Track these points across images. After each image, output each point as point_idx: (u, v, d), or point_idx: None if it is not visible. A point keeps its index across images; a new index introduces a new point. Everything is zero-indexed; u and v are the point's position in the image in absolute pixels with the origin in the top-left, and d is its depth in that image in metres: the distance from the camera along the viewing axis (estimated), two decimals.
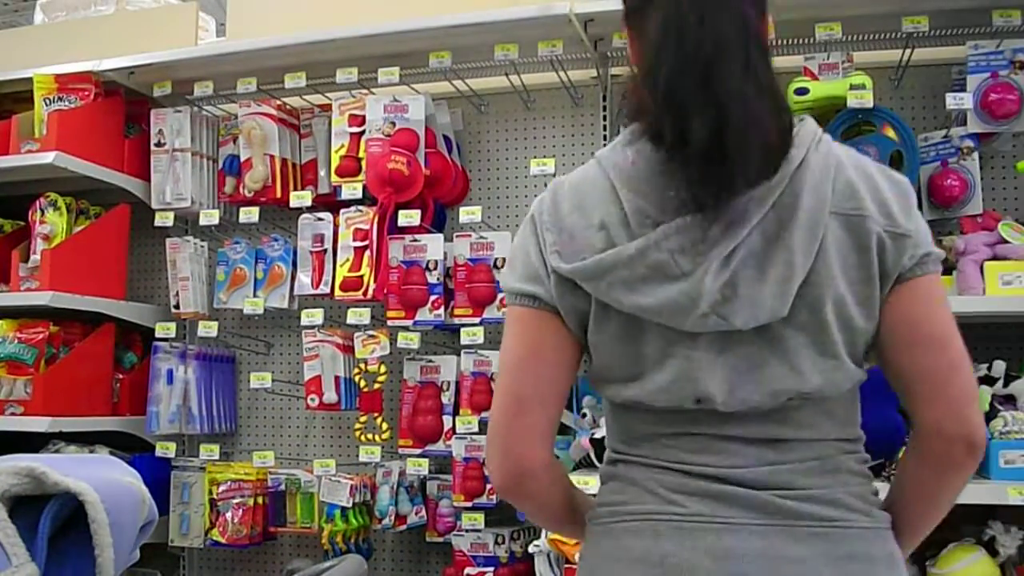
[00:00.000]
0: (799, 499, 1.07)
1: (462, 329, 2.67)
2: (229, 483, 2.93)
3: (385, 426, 2.75)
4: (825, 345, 1.08)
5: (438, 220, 2.88)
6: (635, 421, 1.16)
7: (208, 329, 2.94)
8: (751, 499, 1.07)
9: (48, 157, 2.80)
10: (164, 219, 3.02)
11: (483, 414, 2.66)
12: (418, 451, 2.73)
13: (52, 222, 2.98)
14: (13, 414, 2.78)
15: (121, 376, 3.08)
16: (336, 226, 2.85)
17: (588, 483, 2.26)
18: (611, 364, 1.15)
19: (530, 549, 2.49)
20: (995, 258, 2.25)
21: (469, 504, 2.61)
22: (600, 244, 1.10)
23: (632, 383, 1.13)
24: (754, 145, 1.02)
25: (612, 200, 1.11)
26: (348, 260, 2.80)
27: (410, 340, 2.72)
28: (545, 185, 2.77)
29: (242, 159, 2.96)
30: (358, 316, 2.75)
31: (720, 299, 1.04)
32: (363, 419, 2.78)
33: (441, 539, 2.76)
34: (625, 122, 1.14)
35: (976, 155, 2.48)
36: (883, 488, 2.10)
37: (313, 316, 2.84)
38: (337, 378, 2.83)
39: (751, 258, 1.05)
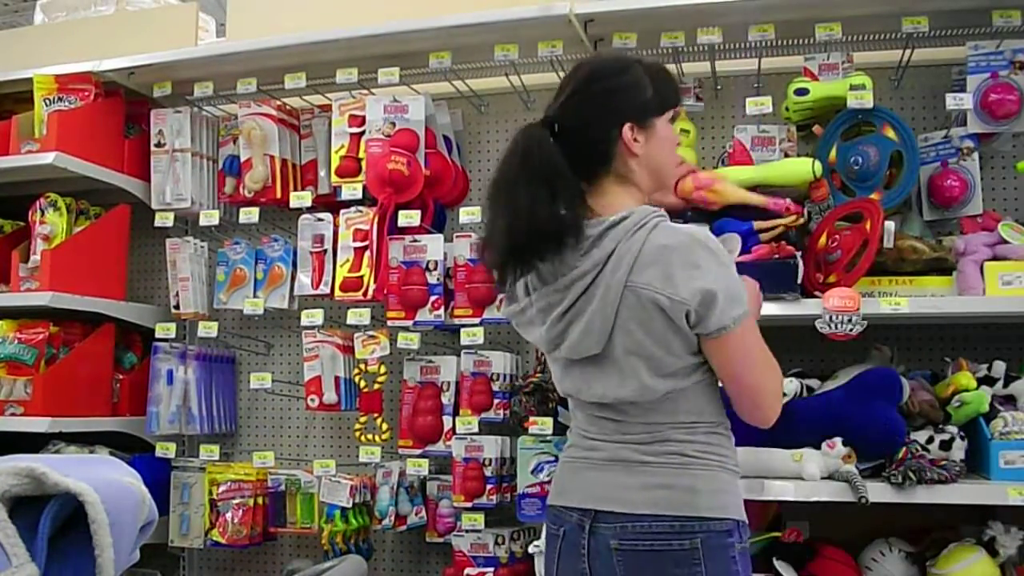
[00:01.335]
0: (632, 452, 1.67)
1: (462, 329, 2.67)
2: (229, 483, 2.93)
3: (385, 426, 2.75)
4: (626, 371, 1.65)
5: (438, 220, 2.88)
6: (569, 400, 1.83)
7: (208, 329, 2.94)
8: (605, 451, 1.71)
9: (48, 157, 2.80)
10: (164, 219, 3.02)
11: (483, 414, 2.66)
12: (418, 451, 2.73)
13: (52, 222, 2.98)
14: (13, 414, 2.78)
15: (121, 376, 3.08)
16: (336, 226, 2.85)
17: None
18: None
19: (530, 549, 2.49)
20: (995, 258, 2.24)
21: (469, 504, 2.61)
22: (518, 294, 1.76)
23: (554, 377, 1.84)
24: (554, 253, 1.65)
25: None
26: (348, 260, 2.80)
27: (410, 340, 2.72)
28: None
29: (242, 159, 2.96)
30: (358, 316, 2.75)
31: (557, 341, 1.69)
32: (363, 419, 2.78)
33: (441, 539, 2.76)
34: None
35: (976, 155, 2.47)
36: (883, 488, 2.11)
37: (313, 316, 2.84)
38: (337, 378, 2.83)
39: (575, 316, 1.65)
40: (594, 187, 1.70)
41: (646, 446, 1.67)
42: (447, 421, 2.73)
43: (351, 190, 2.81)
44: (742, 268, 1.75)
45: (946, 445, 2.18)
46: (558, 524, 1.74)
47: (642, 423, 1.68)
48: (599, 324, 1.63)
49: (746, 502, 1.73)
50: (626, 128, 1.68)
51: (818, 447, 2.20)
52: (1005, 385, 2.27)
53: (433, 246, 2.74)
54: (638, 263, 1.61)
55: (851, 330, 2.17)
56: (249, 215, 2.92)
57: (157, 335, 3.01)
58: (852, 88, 2.36)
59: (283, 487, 2.90)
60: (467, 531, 2.64)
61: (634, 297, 1.61)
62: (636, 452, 1.68)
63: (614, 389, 1.67)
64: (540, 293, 1.70)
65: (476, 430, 2.65)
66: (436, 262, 2.72)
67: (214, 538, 2.92)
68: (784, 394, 2.27)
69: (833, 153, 2.46)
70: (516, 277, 1.71)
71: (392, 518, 2.74)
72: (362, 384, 2.78)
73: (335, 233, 2.85)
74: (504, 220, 1.66)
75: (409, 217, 2.73)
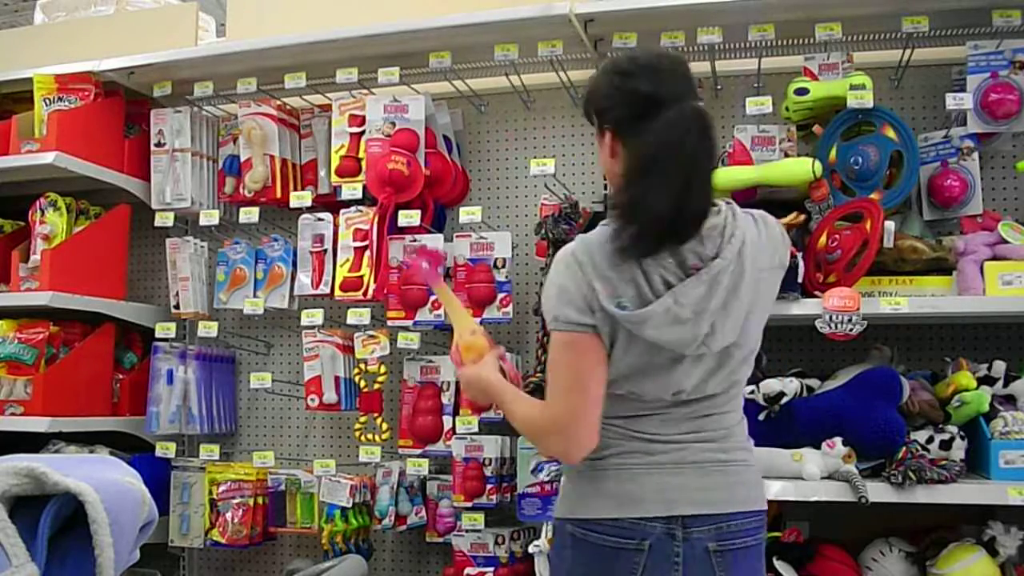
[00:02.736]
0: (706, 451, 1.66)
1: None
2: (229, 483, 2.93)
3: (385, 426, 2.75)
4: (750, 359, 1.70)
5: (438, 220, 2.88)
6: (625, 404, 1.68)
7: (208, 329, 2.94)
8: (674, 453, 1.66)
9: (48, 157, 2.80)
10: (164, 219, 3.02)
11: (483, 415, 2.66)
12: (418, 451, 2.73)
13: (52, 222, 2.98)
14: (13, 414, 2.79)
15: (121, 376, 3.09)
16: (336, 226, 2.85)
17: None
18: (628, 369, 1.65)
19: (530, 549, 2.49)
20: (995, 258, 2.25)
21: (469, 504, 2.61)
22: (632, 293, 1.60)
23: (635, 381, 1.65)
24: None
25: (634, 263, 1.61)
26: (348, 260, 2.80)
27: (410, 340, 2.72)
28: (545, 185, 2.79)
29: (242, 159, 2.97)
30: (358, 316, 2.75)
31: (707, 335, 1.60)
32: (363, 419, 2.78)
33: (441, 539, 2.76)
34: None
35: (976, 155, 2.47)
36: (883, 488, 2.11)
37: (313, 316, 2.84)
38: (337, 378, 2.83)
39: (722, 308, 1.60)
40: None
41: (719, 443, 1.68)
42: (447, 421, 2.73)
43: (351, 190, 2.81)
44: None
45: (946, 445, 2.18)
46: (636, 537, 1.63)
47: (718, 414, 1.68)
48: (743, 312, 1.63)
49: None
50: None
51: (818, 447, 2.21)
52: (1005, 385, 2.27)
53: (433, 246, 2.74)
54: (761, 248, 1.67)
55: (851, 330, 2.17)
56: (249, 215, 2.92)
57: (157, 335, 3.01)
58: (852, 88, 2.36)
59: (283, 487, 2.90)
60: (467, 531, 2.63)
61: (770, 275, 1.69)
62: (712, 452, 1.67)
63: (736, 375, 1.68)
64: (684, 287, 1.59)
65: (476, 430, 2.65)
66: None
67: (214, 538, 2.92)
68: (784, 394, 2.28)
69: (833, 153, 2.46)
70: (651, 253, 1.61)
71: (392, 518, 2.74)
72: (362, 384, 2.78)
73: (335, 233, 2.85)
74: (694, 187, 1.59)
75: (409, 217, 2.73)
